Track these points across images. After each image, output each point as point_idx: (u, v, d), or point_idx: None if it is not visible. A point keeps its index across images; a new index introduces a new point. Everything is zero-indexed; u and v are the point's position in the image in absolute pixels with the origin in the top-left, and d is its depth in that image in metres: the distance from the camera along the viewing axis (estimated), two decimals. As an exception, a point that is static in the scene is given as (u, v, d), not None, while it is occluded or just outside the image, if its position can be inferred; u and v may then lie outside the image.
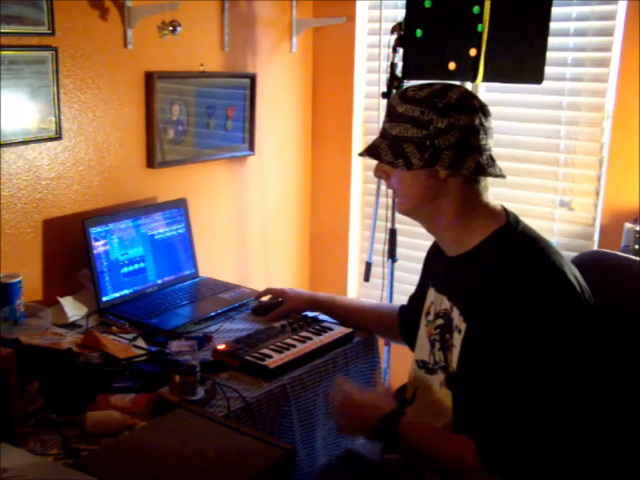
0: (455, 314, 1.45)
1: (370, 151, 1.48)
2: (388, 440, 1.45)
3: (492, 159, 1.44)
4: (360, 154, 1.54)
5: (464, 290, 1.44)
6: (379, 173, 1.50)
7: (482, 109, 1.42)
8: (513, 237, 1.41)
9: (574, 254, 1.66)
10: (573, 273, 1.37)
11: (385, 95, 2.40)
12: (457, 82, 2.33)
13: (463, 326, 1.41)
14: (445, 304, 1.50)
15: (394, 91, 2.36)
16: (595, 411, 1.36)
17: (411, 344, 1.72)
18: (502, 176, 1.45)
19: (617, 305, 1.47)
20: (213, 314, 2.10)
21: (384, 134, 1.46)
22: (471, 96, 1.43)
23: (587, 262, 1.49)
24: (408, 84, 2.34)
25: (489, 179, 1.46)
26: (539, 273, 1.34)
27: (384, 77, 2.53)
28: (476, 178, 1.43)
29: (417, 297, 1.71)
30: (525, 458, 1.30)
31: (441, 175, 1.41)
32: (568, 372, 1.31)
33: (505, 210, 1.48)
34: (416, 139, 1.40)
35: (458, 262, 1.48)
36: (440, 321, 1.51)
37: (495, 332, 1.33)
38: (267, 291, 2.17)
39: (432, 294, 1.58)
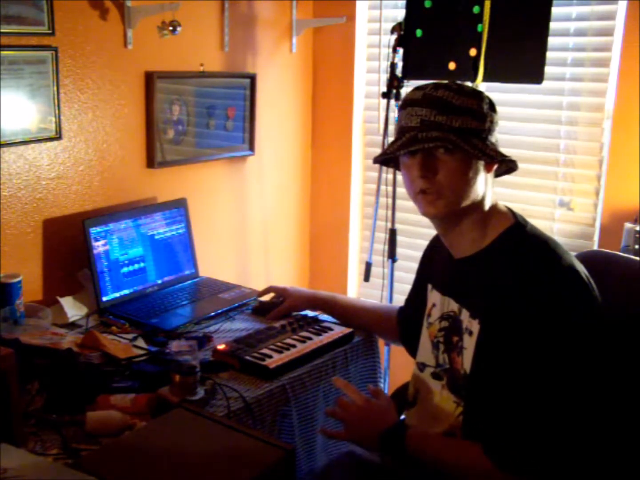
0: (465, 315, 1.44)
1: (450, 142, 1.36)
2: (395, 451, 1.44)
3: None
4: (425, 148, 1.38)
5: (476, 291, 1.44)
6: (428, 173, 1.40)
7: None
8: (524, 237, 1.42)
9: (574, 254, 1.66)
10: (584, 271, 1.37)
11: (385, 95, 2.40)
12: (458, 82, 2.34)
13: (476, 328, 1.40)
14: (453, 306, 1.49)
15: (394, 91, 2.36)
16: (602, 408, 1.35)
17: (409, 346, 1.71)
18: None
19: (616, 305, 1.47)
20: (213, 314, 2.10)
21: (438, 126, 1.37)
22: None
23: (587, 262, 1.49)
24: (408, 84, 2.35)
25: None
26: (555, 273, 1.34)
27: (384, 77, 2.53)
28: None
29: (415, 300, 1.71)
30: (540, 455, 1.30)
31: (493, 169, 1.44)
32: (585, 370, 1.31)
33: (509, 209, 1.49)
34: (479, 131, 1.39)
35: (467, 264, 1.47)
36: (445, 323, 1.50)
37: (513, 332, 1.33)
38: (269, 289, 2.17)
39: (434, 296, 1.57)
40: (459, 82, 1.49)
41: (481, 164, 1.41)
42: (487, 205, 1.45)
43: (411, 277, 1.79)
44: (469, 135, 1.38)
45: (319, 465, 1.80)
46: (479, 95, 1.42)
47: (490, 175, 1.45)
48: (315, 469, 1.79)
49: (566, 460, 1.31)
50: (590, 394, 1.32)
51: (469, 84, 2.31)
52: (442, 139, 1.37)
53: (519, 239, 1.42)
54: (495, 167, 1.45)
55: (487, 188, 1.44)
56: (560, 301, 1.31)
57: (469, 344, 1.42)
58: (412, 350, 1.64)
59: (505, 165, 1.48)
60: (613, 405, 1.39)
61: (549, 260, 1.36)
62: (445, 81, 1.45)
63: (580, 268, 1.37)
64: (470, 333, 1.42)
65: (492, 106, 1.43)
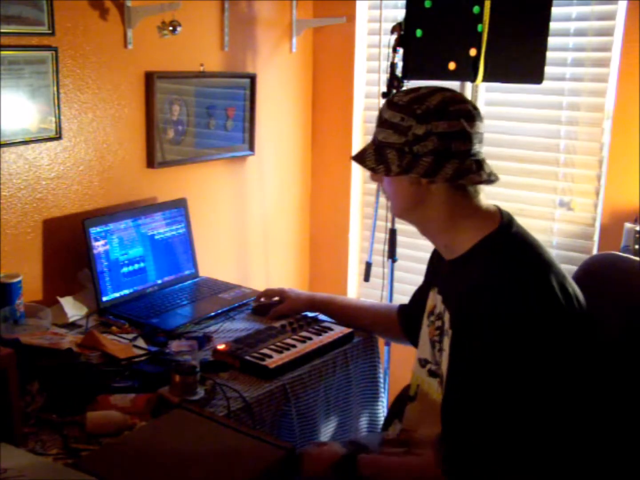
0: (446, 317, 1.46)
1: (358, 156, 1.49)
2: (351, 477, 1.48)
3: (478, 164, 1.40)
4: (352, 159, 1.53)
5: (454, 295, 1.45)
6: (373, 177, 1.52)
7: (466, 115, 1.38)
8: (500, 244, 1.40)
9: (574, 254, 1.66)
10: (559, 281, 1.34)
11: (385, 95, 2.40)
12: (457, 82, 2.34)
13: (449, 331, 1.42)
14: (441, 306, 1.51)
15: (394, 91, 2.37)
16: (582, 417, 1.35)
17: (414, 341, 1.72)
18: (490, 181, 1.42)
19: (617, 306, 1.47)
20: (213, 314, 2.10)
21: (373, 139, 1.47)
22: (454, 101, 1.39)
23: (600, 266, 1.48)
24: (408, 84, 2.35)
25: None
26: (520, 283, 1.32)
27: (384, 77, 2.53)
28: (463, 183, 1.41)
29: (418, 296, 1.72)
30: (488, 466, 1.31)
31: (422, 182, 1.41)
32: (541, 384, 1.30)
33: (500, 212, 1.46)
34: (397, 145, 1.40)
35: (452, 266, 1.48)
36: (439, 323, 1.51)
37: (475, 339, 1.33)
38: (266, 292, 2.16)
39: (434, 295, 1.58)
40: (438, 87, 1.43)
41: (415, 177, 1.40)
42: (451, 213, 1.43)
43: (411, 277, 1.79)
44: (387, 148, 1.41)
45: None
46: (408, 107, 1.38)
47: (454, 185, 1.40)
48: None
49: (515, 476, 1.31)
50: (553, 405, 1.30)
51: (468, 84, 2.32)
52: (361, 151, 1.47)
53: (495, 246, 1.40)
54: (427, 182, 1.40)
55: (451, 197, 1.41)
56: (521, 314, 1.29)
57: (446, 346, 1.43)
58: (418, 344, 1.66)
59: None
60: (604, 407, 1.38)
61: (518, 271, 1.34)
62: (427, 86, 1.44)
63: (557, 278, 1.34)
64: (448, 335, 1.43)
65: (422, 117, 1.37)
